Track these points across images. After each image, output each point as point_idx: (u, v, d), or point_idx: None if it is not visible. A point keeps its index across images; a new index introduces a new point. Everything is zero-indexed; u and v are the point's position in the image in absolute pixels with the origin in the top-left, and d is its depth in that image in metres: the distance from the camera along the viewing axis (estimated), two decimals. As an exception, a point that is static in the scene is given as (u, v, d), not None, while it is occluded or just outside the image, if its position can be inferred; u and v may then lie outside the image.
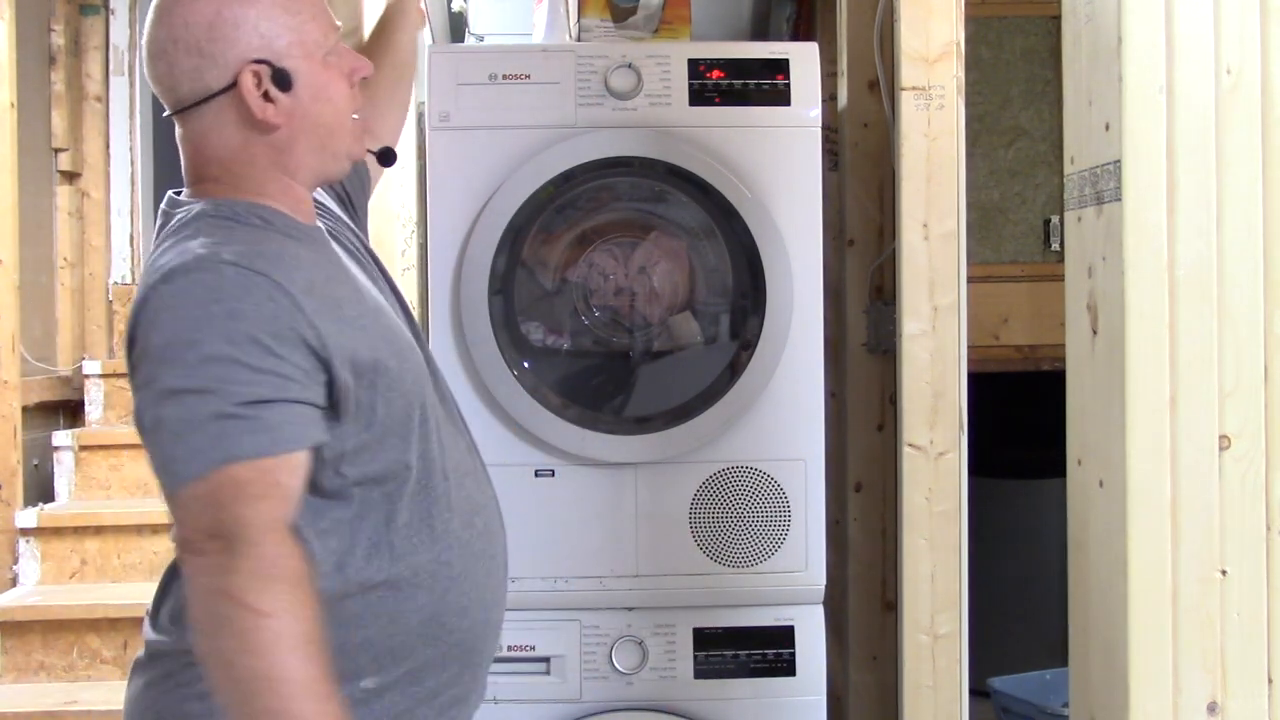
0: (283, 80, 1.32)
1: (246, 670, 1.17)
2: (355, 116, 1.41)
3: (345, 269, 1.40)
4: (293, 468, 1.24)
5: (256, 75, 1.31)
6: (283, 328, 1.24)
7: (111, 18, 4.04)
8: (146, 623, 1.38)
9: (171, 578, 1.37)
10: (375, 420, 1.31)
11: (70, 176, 3.99)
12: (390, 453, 1.33)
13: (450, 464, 1.40)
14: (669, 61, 2.22)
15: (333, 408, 1.28)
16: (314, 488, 1.29)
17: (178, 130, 1.37)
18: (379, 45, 1.84)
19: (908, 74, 2.20)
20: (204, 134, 1.35)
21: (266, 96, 1.32)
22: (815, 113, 2.23)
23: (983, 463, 2.85)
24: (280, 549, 1.21)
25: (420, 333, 1.51)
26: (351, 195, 1.66)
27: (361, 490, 1.32)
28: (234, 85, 1.31)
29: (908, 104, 2.20)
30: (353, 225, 1.58)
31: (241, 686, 1.17)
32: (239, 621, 1.17)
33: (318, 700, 1.18)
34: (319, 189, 1.56)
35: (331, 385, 1.27)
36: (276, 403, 1.23)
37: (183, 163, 1.39)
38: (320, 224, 1.45)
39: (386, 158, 1.61)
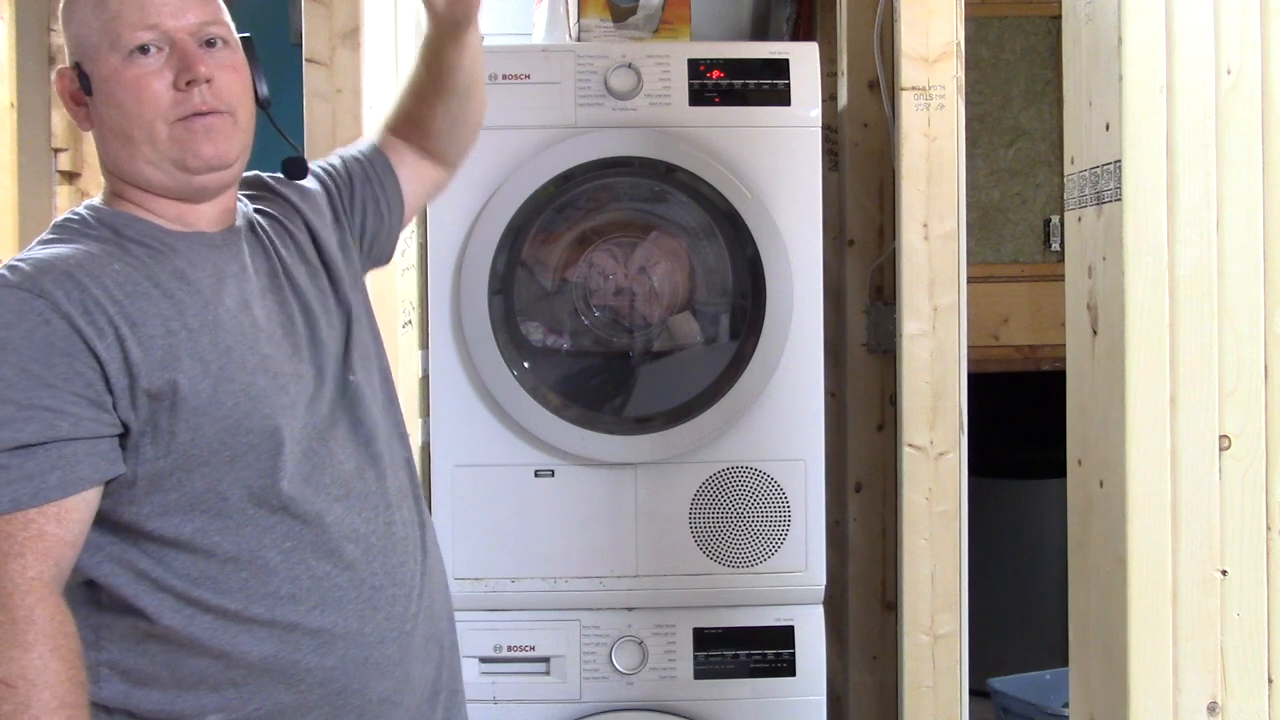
0: (84, 83, 1.31)
1: None
2: (190, 120, 1.31)
3: (196, 279, 1.31)
4: (61, 516, 1.19)
5: (69, 80, 1.33)
6: (56, 355, 1.19)
7: (111, 18, 4.03)
8: None
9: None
10: (174, 446, 1.24)
11: (70, 176, 3.98)
12: (198, 481, 1.26)
13: (304, 491, 1.31)
14: (669, 61, 2.22)
15: (125, 432, 1.23)
16: (112, 519, 1.24)
17: None
18: (431, 72, 1.63)
19: (908, 74, 2.20)
20: None
21: (81, 100, 1.32)
22: (815, 113, 2.23)
23: (983, 463, 2.85)
24: (33, 611, 1.16)
25: (354, 349, 1.43)
26: (337, 208, 1.55)
27: (165, 521, 1.25)
28: None
29: (908, 104, 2.20)
30: (314, 238, 1.49)
31: None
32: None
33: None
34: (313, 185, 1.51)
35: (118, 408, 1.22)
36: (43, 445, 1.17)
37: None
38: (236, 229, 1.39)
39: (291, 169, 1.51)
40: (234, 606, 1.27)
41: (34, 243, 1.31)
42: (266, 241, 1.43)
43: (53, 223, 1.34)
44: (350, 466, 1.37)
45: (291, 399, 1.32)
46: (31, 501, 1.17)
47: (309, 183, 1.54)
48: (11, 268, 1.23)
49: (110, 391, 1.21)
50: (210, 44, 1.33)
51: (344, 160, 1.60)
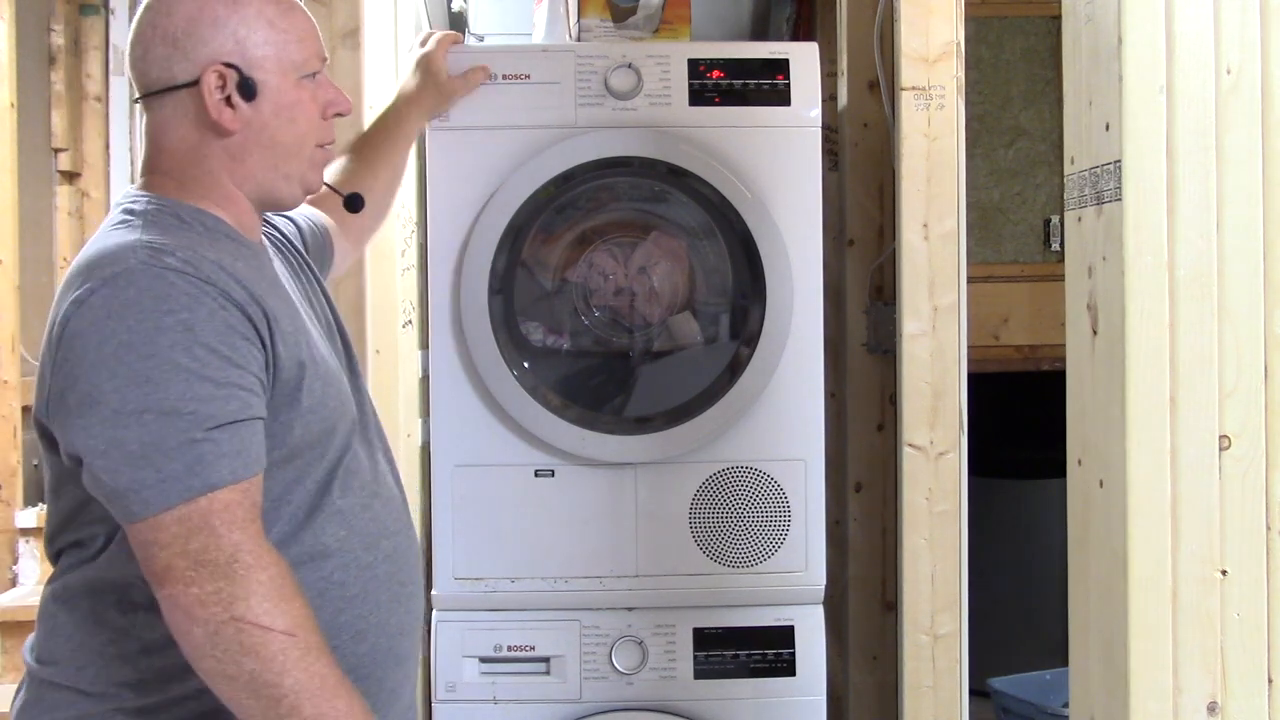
0: (247, 88, 1.33)
1: (286, 688, 1.18)
2: (326, 148, 1.42)
3: (282, 286, 1.38)
4: (259, 486, 1.24)
5: (221, 76, 1.32)
6: (238, 338, 1.23)
7: (111, 18, 4.04)
8: (26, 644, 1.38)
9: (46, 609, 1.35)
10: (287, 440, 1.29)
11: (70, 176, 3.99)
12: (289, 474, 1.31)
13: (354, 484, 1.38)
14: (669, 61, 2.22)
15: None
16: None
17: (143, 117, 1.38)
18: (377, 152, 1.92)
19: (908, 74, 2.20)
20: (163, 124, 1.36)
21: (230, 101, 1.33)
22: (815, 113, 2.23)
23: (983, 463, 2.85)
24: (278, 566, 1.21)
25: (355, 359, 1.51)
26: (310, 260, 1.65)
27: None
28: (198, 81, 1.32)
29: (908, 104, 2.20)
30: (304, 257, 1.58)
31: (284, 702, 1.18)
32: (269, 645, 1.17)
33: (351, 695, 1.22)
34: (286, 217, 1.60)
35: (267, 395, 1.27)
36: (244, 422, 1.21)
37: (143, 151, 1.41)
38: (265, 239, 1.46)
39: (353, 203, 1.64)
40: None
41: (133, 230, 1.29)
42: (284, 258, 1.51)
43: (134, 210, 1.33)
44: (377, 469, 1.45)
45: (350, 405, 1.41)
46: (246, 473, 1.21)
47: (284, 220, 1.64)
48: (158, 250, 1.24)
49: (268, 378, 1.27)
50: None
51: (306, 218, 1.72)
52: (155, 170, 1.37)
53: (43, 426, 1.27)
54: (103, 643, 1.28)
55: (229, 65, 1.32)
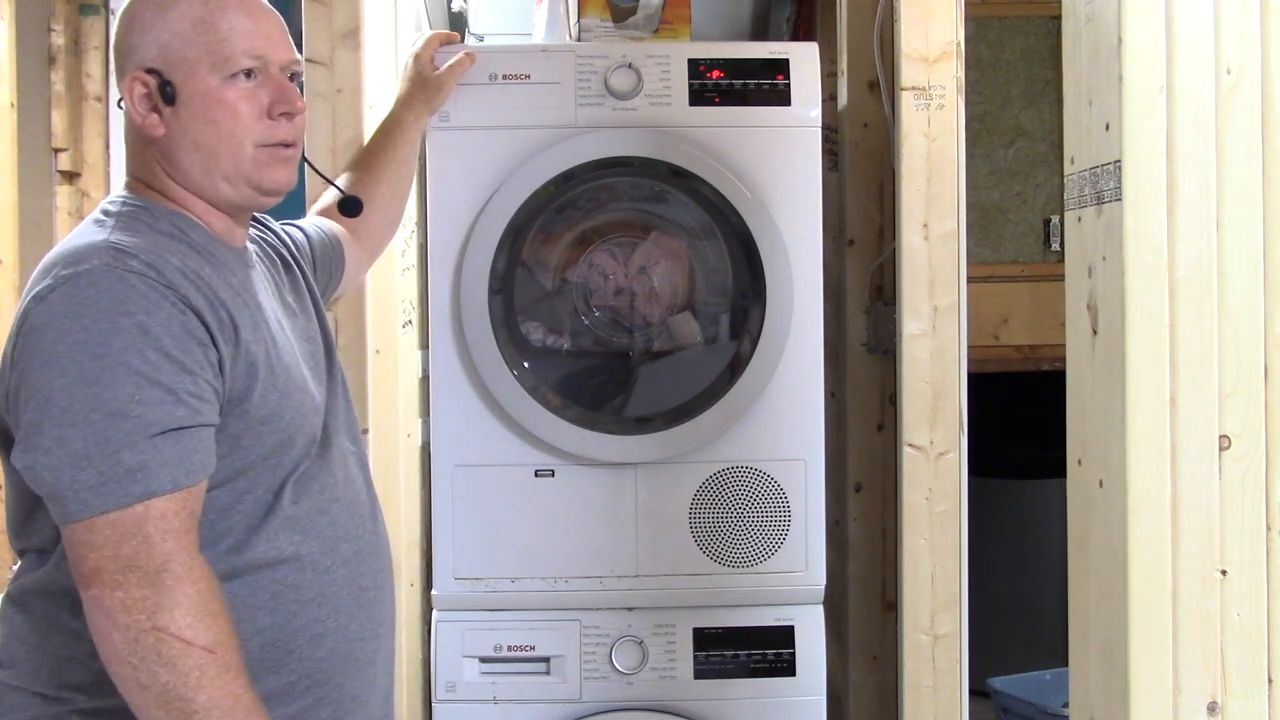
0: (166, 92, 1.34)
1: (198, 704, 1.17)
2: (278, 147, 1.39)
3: (253, 294, 1.38)
4: (200, 495, 1.23)
5: (144, 84, 1.34)
6: (194, 343, 1.23)
7: (111, 18, 4.04)
8: None
9: (4, 612, 1.34)
10: (237, 449, 1.29)
11: (70, 176, 3.98)
12: (241, 484, 1.31)
13: (312, 490, 1.37)
14: (669, 61, 2.22)
15: None
16: None
17: None
18: (379, 159, 1.95)
19: (908, 74, 2.20)
20: (126, 132, 1.40)
21: (157, 107, 1.34)
22: (815, 113, 2.23)
23: (983, 463, 2.85)
24: (207, 581, 1.20)
25: (336, 366, 1.51)
26: (315, 270, 1.65)
27: (202, 517, 1.28)
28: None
29: (908, 104, 2.20)
30: (301, 267, 1.59)
31: (194, 718, 1.18)
32: (186, 659, 1.17)
33: (264, 716, 1.22)
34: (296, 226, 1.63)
35: (220, 403, 1.27)
36: (191, 429, 1.21)
37: None
38: (255, 245, 1.46)
39: (347, 206, 1.66)
40: (242, 592, 1.30)
41: (99, 225, 1.31)
42: (274, 263, 1.51)
43: (110, 210, 1.34)
44: (342, 475, 1.44)
45: (317, 416, 1.40)
46: (187, 481, 1.21)
47: (292, 228, 1.66)
48: (123, 252, 1.25)
49: (222, 385, 1.26)
50: (292, 79, 1.41)
51: (317, 228, 1.75)
52: (131, 173, 1.40)
53: (1, 422, 1.27)
54: (56, 645, 1.28)
55: (150, 70, 1.34)
